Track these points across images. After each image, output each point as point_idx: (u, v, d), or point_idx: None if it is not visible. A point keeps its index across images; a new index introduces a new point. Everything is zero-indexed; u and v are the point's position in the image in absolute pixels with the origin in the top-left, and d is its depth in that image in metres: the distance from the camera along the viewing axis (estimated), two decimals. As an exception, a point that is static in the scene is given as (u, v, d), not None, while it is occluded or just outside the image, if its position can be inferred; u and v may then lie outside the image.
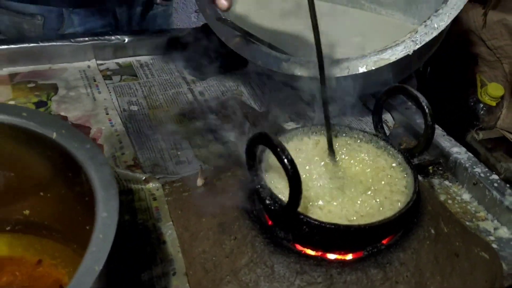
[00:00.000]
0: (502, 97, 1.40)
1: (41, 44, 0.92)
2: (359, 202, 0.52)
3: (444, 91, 1.54)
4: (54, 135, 0.47)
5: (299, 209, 0.48)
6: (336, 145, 0.58)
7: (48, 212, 0.55)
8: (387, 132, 0.86)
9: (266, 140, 0.45)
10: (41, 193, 0.53)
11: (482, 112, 1.46)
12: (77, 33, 1.01)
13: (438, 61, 1.57)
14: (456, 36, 1.46)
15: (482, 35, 1.42)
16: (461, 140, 1.41)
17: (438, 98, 1.45)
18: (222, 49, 0.94)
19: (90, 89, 0.88)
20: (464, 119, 1.47)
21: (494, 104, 1.42)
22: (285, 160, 0.43)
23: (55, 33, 1.01)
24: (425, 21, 0.70)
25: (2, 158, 0.51)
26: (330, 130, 0.55)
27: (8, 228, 0.57)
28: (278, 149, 0.44)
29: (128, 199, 0.61)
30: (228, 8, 0.70)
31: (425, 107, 0.53)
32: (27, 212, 0.56)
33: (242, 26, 0.80)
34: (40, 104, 0.82)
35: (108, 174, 0.43)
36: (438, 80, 1.59)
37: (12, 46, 0.90)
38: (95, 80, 0.90)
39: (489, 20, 1.39)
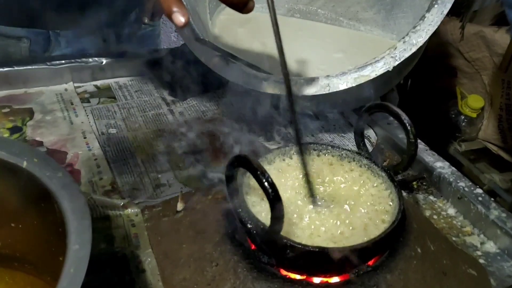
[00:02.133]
0: (482, 109, 1.42)
1: (15, 68, 0.90)
2: (343, 222, 0.51)
3: (425, 104, 1.55)
4: (24, 164, 0.45)
5: (282, 233, 0.46)
6: (320, 163, 0.57)
7: (19, 243, 0.52)
8: (370, 148, 0.85)
9: (246, 163, 0.44)
10: (13, 224, 0.51)
11: (463, 123, 1.48)
12: (64, 55, 1.00)
13: (418, 74, 1.59)
14: (435, 49, 1.47)
15: (460, 47, 1.44)
16: (444, 152, 1.42)
17: (419, 110, 1.45)
18: (201, 69, 0.93)
19: (67, 112, 0.86)
20: (446, 131, 1.48)
21: (475, 115, 1.43)
22: (266, 183, 0.42)
23: (41, 56, 0.99)
24: (403, 38, 0.70)
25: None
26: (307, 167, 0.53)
27: (-21, 261, 0.54)
28: (258, 172, 0.42)
29: (105, 226, 0.59)
30: (185, 25, 0.68)
31: (407, 124, 0.53)
32: (-2, 244, 0.53)
33: (221, 46, 0.79)
34: (15, 129, 0.80)
35: (81, 204, 0.41)
36: (419, 93, 1.60)
37: (-15, 71, 0.88)
38: (72, 103, 0.88)
39: (467, 33, 1.41)
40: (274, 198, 0.42)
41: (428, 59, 1.49)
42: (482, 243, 0.68)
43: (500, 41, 1.32)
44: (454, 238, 0.68)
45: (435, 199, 0.76)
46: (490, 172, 1.42)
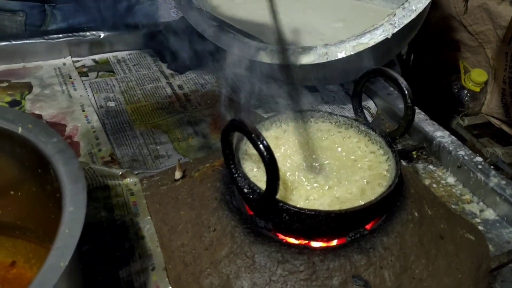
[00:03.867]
0: (485, 83, 1.40)
1: (13, 42, 0.89)
2: (340, 188, 0.51)
3: (428, 78, 1.54)
4: (19, 130, 0.45)
5: (279, 197, 0.47)
6: (317, 130, 0.57)
7: (20, 211, 0.53)
8: (370, 119, 0.85)
9: (241, 127, 0.44)
10: (12, 192, 0.51)
11: (466, 98, 1.46)
12: (60, 29, 0.99)
13: (421, 48, 1.57)
14: (438, 22, 1.45)
15: (463, 20, 1.42)
16: (446, 126, 1.41)
17: (422, 85, 1.44)
18: (200, 42, 0.92)
19: (66, 86, 0.85)
20: (449, 106, 1.47)
21: (478, 89, 1.42)
22: (261, 146, 0.42)
23: (37, 30, 0.98)
24: (403, 4, 0.69)
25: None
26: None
27: (-21, 230, 0.55)
28: (253, 135, 0.42)
29: (105, 195, 0.60)
30: None
31: (404, 88, 0.52)
32: (-2, 212, 0.54)
33: (219, 17, 0.78)
34: (13, 103, 0.80)
35: (75, 168, 0.41)
36: (422, 67, 1.58)
37: (-16, 45, 0.87)
38: (70, 77, 0.88)
39: (470, 5, 1.38)
40: (269, 160, 0.42)
41: (430, 33, 1.48)
42: (481, 211, 0.68)
43: (504, 13, 1.29)
44: (453, 206, 0.68)
45: (434, 168, 0.75)
46: (493, 146, 1.41)
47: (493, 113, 1.45)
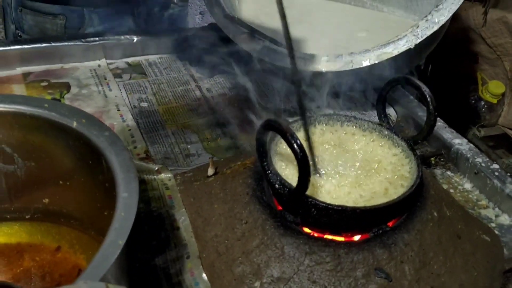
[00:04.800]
0: (503, 95, 1.42)
1: (53, 44, 0.95)
2: (365, 187, 0.55)
3: (445, 89, 1.56)
4: (74, 124, 0.50)
5: (308, 193, 0.50)
6: (343, 133, 0.61)
7: (67, 200, 0.57)
8: (391, 125, 0.88)
9: (276, 126, 0.48)
10: (61, 182, 0.56)
11: (483, 109, 1.48)
12: (96, 32, 1.04)
13: (439, 59, 1.60)
14: (457, 34, 1.48)
15: (482, 33, 1.44)
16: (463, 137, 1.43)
17: (439, 96, 1.47)
18: (228, 47, 0.96)
19: (101, 87, 0.90)
20: (466, 117, 1.48)
21: (495, 101, 1.44)
22: (295, 145, 0.46)
23: (75, 33, 1.04)
24: (426, 16, 0.73)
25: (24, 148, 0.54)
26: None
27: (27, 216, 0.59)
28: (288, 134, 0.46)
29: (142, 189, 0.64)
30: None
31: (427, 95, 0.56)
32: (46, 200, 0.58)
33: (250, 25, 0.82)
34: (53, 101, 0.85)
35: (127, 158, 0.45)
36: (440, 78, 1.61)
37: (25, 46, 0.93)
38: (105, 78, 0.93)
39: (489, 18, 1.41)
40: (302, 158, 0.46)
41: (449, 44, 1.50)
42: (496, 216, 0.71)
43: (523, 26, 1.32)
44: (469, 211, 0.71)
45: (452, 174, 0.78)
46: (509, 158, 1.43)
47: (510, 125, 1.47)
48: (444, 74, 1.60)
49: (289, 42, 0.56)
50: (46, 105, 0.51)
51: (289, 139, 0.46)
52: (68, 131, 0.50)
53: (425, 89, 0.55)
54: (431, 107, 0.56)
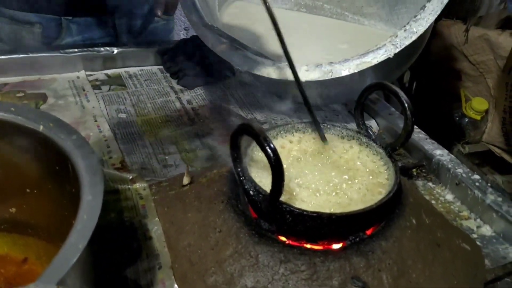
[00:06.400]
0: (486, 111, 1.43)
1: (30, 55, 0.93)
2: (342, 194, 0.53)
3: (429, 106, 1.57)
4: (41, 128, 0.48)
5: (283, 200, 0.49)
6: (320, 140, 0.60)
7: (34, 209, 0.55)
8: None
9: (249, 130, 0.46)
10: (28, 190, 0.54)
11: (467, 126, 1.48)
12: (75, 43, 1.03)
13: (423, 76, 1.61)
14: (440, 52, 1.49)
15: (464, 50, 1.45)
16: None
17: (424, 113, 1.47)
18: (209, 59, 0.96)
19: (79, 97, 0.89)
20: (450, 133, 1.49)
21: (479, 118, 1.44)
22: (268, 148, 0.45)
23: (52, 43, 1.03)
24: (404, 26, 0.73)
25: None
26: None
27: (-7, 227, 0.57)
28: (261, 137, 0.45)
29: (115, 198, 0.62)
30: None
31: (405, 101, 0.55)
32: (13, 210, 0.56)
33: (230, 34, 0.82)
34: (28, 112, 0.83)
35: (94, 161, 0.44)
36: (424, 95, 1.62)
37: (2, 57, 0.91)
38: (84, 90, 0.91)
39: (471, 36, 1.42)
40: (275, 162, 0.45)
41: (432, 62, 1.52)
42: (478, 227, 0.70)
43: (505, 44, 1.33)
44: (451, 222, 0.70)
45: (433, 185, 0.78)
46: (494, 175, 1.43)
47: (494, 142, 1.47)
48: (428, 91, 1.61)
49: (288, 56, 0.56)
50: (13, 109, 0.49)
51: (262, 142, 0.45)
52: (35, 136, 0.48)
53: (402, 95, 0.55)
54: (408, 112, 0.55)
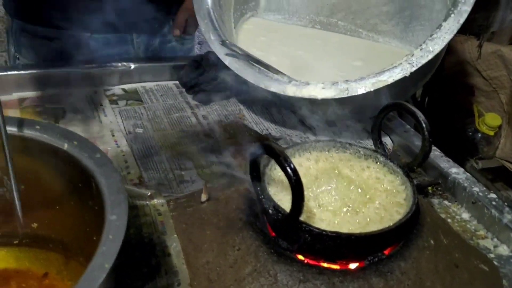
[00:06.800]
0: (499, 127, 1.42)
1: (49, 70, 0.95)
2: (360, 213, 0.54)
3: (442, 121, 1.57)
4: (65, 146, 0.49)
5: (302, 219, 0.49)
6: (339, 159, 0.60)
7: (56, 225, 0.56)
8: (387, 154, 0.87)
9: (269, 150, 0.47)
10: (50, 206, 0.55)
11: (480, 141, 1.48)
12: (93, 59, 1.05)
13: (436, 91, 1.61)
14: (453, 67, 1.49)
15: (477, 66, 1.45)
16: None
17: (437, 127, 1.47)
18: (224, 75, 0.97)
19: (97, 112, 0.90)
20: (464, 149, 1.48)
21: (492, 133, 1.44)
22: (288, 168, 0.45)
23: (70, 58, 1.04)
24: (421, 45, 0.73)
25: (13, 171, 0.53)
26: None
27: (15, 241, 0.58)
28: (281, 158, 0.45)
29: (133, 214, 0.63)
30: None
31: (422, 121, 0.55)
32: (35, 225, 0.57)
33: (246, 51, 0.83)
34: (48, 126, 0.84)
35: (117, 180, 0.44)
36: (437, 110, 1.62)
37: (22, 72, 0.93)
38: (101, 105, 0.93)
39: (484, 52, 1.42)
40: (295, 182, 0.45)
41: (446, 77, 1.52)
42: (495, 246, 0.70)
43: (518, 59, 1.33)
44: (468, 241, 0.70)
45: (449, 203, 0.77)
46: (507, 191, 1.42)
47: (507, 157, 1.47)
48: (441, 106, 1.61)
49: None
50: (38, 127, 0.50)
51: (282, 162, 0.45)
52: (59, 153, 0.49)
53: (420, 115, 0.55)
54: (426, 133, 0.55)
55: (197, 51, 1.78)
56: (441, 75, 1.49)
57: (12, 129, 0.50)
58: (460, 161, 1.49)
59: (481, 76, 1.48)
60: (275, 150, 0.46)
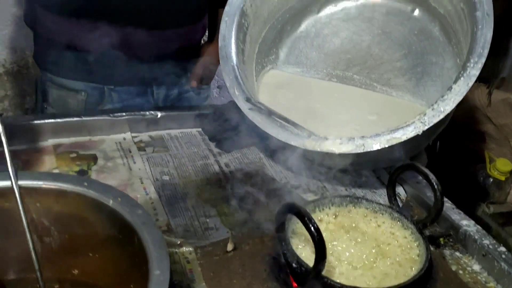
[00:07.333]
0: (510, 172, 1.45)
1: (83, 118, 1.02)
2: (376, 268, 0.58)
3: (454, 166, 1.60)
4: (110, 202, 0.54)
5: (323, 274, 0.54)
6: (356, 214, 0.65)
7: (95, 271, 0.61)
8: (400, 204, 0.92)
9: (295, 210, 0.52)
10: (91, 254, 0.60)
11: (492, 186, 1.50)
12: (117, 109, 1.12)
13: (447, 137, 1.65)
14: (464, 113, 1.53)
15: (488, 113, 1.49)
16: (472, 214, 1.44)
17: (448, 172, 1.50)
18: (245, 124, 1.03)
19: (126, 159, 0.96)
20: (475, 193, 1.51)
21: (503, 179, 1.46)
22: (312, 228, 0.50)
23: (95, 108, 1.11)
24: (432, 105, 0.79)
25: (61, 222, 0.58)
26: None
27: (56, 286, 0.63)
28: (306, 218, 0.50)
29: (164, 262, 0.67)
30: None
31: (434, 183, 0.60)
32: (76, 271, 0.62)
33: (266, 105, 0.89)
34: (81, 173, 0.90)
35: (159, 237, 0.49)
36: (448, 156, 1.65)
37: (58, 120, 0.99)
38: (130, 151, 0.99)
39: (494, 99, 1.46)
40: (319, 241, 0.50)
41: (457, 123, 1.56)
42: (505, 299, 0.73)
43: (528, 107, 1.37)
44: (479, 293, 0.73)
45: (461, 255, 0.81)
46: (519, 236, 1.43)
47: (519, 202, 1.49)
48: (453, 151, 1.64)
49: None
50: (86, 184, 0.56)
51: (307, 222, 0.50)
52: (104, 208, 0.55)
53: (432, 177, 0.60)
54: (438, 193, 0.60)
55: (216, 94, 1.86)
56: (453, 121, 1.53)
57: (62, 185, 0.56)
58: (472, 206, 1.52)
59: (491, 123, 1.52)
60: (300, 211, 0.51)
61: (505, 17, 1.51)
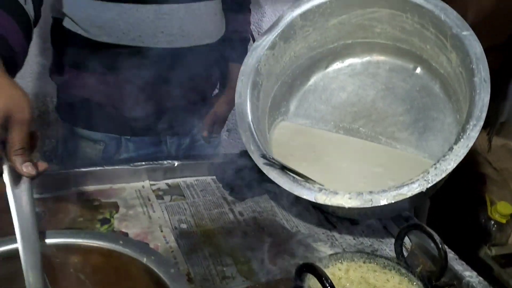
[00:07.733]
0: (511, 215, 1.50)
1: (105, 167, 1.08)
2: (386, 322, 0.63)
3: (455, 209, 1.64)
4: (144, 260, 0.60)
5: (337, 327, 0.59)
6: (366, 269, 0.70)
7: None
8: (405, 253, 0.97)
9: (313, 270, 0.57)
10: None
11: (493, 229, 1.55)
12: (132, 157, 1.18)
13: (448, 181, 1.70)
14: (465, 158, 1.59)
15: (488, 157, 1.55)
16: (474, 256, 1.48)
17: (450, 215, 1.55)
18: (257, 174, 1.09)
19: (146, 208, 1.01)
20: (477, 236, 1.55)
21: (504, 221, 1.50)
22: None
23: (112, 157, 1.18)
24: (435, 164, 0.85)
25: (96, 276, 0.63)
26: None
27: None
28: (323, 278, 0.56)
29: (187, 312, 0.72)
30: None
31: (439, 243, 0.66)
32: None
33: (279, 160, 0.95)
34: (104, 221, 0.96)
35: (190, 295, 0.55)
36: (450, 198, 1.70)
37: (82, 169, 1.06)
38: (149, 200, 1.04)
39: (494, 144, 1.52)
40: (334, 299, 0.55)
41: (458, 167, 1.61)
42: None
43: (526, 152, 1.43)
44: None
45: (464, 304, 0.86)
46: (520, 277, 1.46)
47: (520, 244, 1.53)
48: (454, 194, 1.69)
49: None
50: (121, 242, 0.61)
51: (324, 283, 0.55)
52: (138, 265, 0.60)
53: (436, 237, 0.65)
54: (442, 252, 0.65)
55: (225, 137, 1.93)
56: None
57: (99, 243, 0.62)
58: (474, 248, 1.56)
59: (491, 167, 1.57)
60: (317, 271, 0.56)
61: (504, 63, 1.58)
